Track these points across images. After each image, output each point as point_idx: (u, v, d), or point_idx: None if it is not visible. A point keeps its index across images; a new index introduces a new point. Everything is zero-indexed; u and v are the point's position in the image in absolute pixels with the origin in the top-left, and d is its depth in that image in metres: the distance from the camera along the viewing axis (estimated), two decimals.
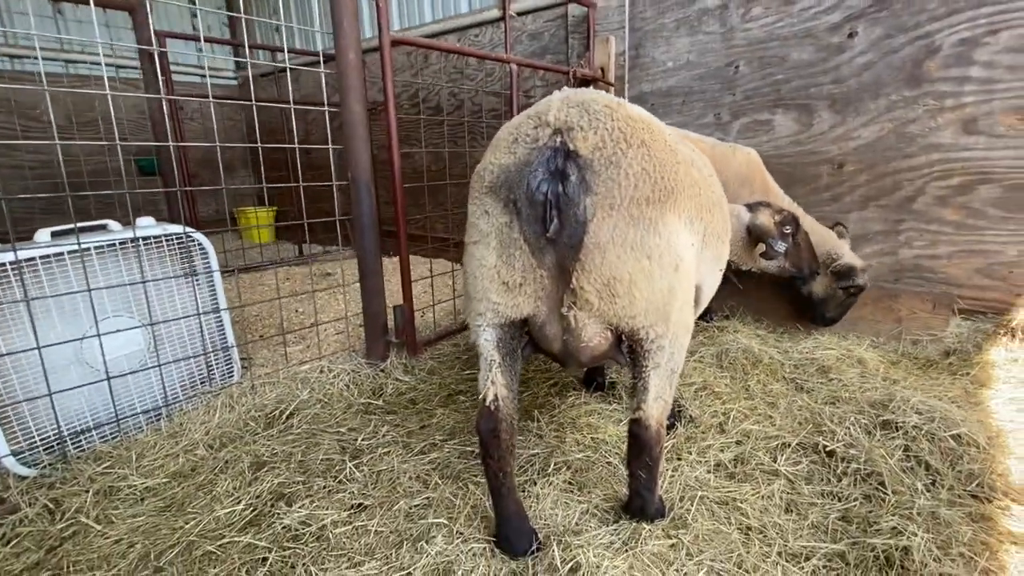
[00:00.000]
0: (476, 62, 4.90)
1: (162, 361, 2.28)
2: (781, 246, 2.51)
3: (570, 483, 1.84)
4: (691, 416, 2.18)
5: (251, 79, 2.93)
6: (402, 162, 2.73)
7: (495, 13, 4.67)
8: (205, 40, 6.91)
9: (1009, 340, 2.76)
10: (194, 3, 7.06)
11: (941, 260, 3.01)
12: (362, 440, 2.14)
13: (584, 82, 4.01)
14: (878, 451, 1.84)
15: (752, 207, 2.60)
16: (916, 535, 1.49)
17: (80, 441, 2.10)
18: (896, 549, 1.46)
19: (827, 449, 1.91)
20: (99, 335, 2.05)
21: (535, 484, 1.82)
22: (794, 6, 3.19)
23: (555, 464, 1.92)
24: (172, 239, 2.28)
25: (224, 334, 2.48)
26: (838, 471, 1.83)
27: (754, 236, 2.55)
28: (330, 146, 2.81)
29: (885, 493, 1.70)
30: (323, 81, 2.82)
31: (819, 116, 3.24)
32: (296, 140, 2.76)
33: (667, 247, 1.34)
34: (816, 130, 3.26)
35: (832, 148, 3.23)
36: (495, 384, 1.48)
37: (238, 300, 3.83)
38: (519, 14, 4.52)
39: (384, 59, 2.58)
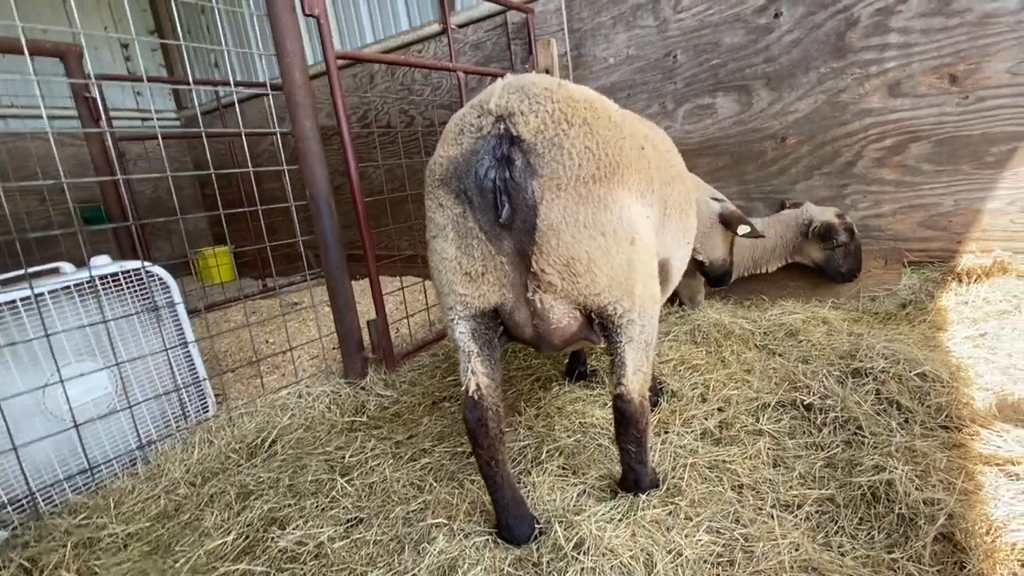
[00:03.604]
0: (422, 78, 4.94)
1: (132, 402, 2.20)
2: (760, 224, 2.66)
3: (564, 468, 1.85)
4: (673, 390, 2.22)
5: (199, 114, 2.88)
6: (360, 182, 2.73)
7: (436, 28, 4.73)
8: (149, 80, 6.81)
9: (957, 284, 2.92)
10: (125, 48, 6.91)
11: (886, 218, 3.17)
12: (350, 457, 2.11)
13: None
14: (852, 398, 1.91)
15: (717, 198, 2.70)
16: (897, 469, 1.55)
17: (51, 495, 2.00)
18: (881, 484, 1.52)
19: (805, 403, 1.98)
20: (62, 381, 1.96)
21: (530, 473, 1.82)
22: None
23: (547, 451, 1.93)
24: (130, 275, 2.21)
25: (194, 368, 2.41)
26: (817, 422, 1.90)
27: (732, 223, 2.64)
28: (284, 167, 2.78)
29: (864, 436, 1.78)
30: (270, 106, 2.79)
31: (757, 95, 3.38)
32: (249, 166, 2.73)
33: (620, 222, 1.36)
34: (756, 108, 3.41)
35: (773, 124, 3.38)
36: (476, 374, 1.49)
37: (206, 336, 3.73)
38: (460, 26, 4.59)
39: (331, 74, 2.58)
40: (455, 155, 1.36)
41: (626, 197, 1.38)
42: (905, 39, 2.90)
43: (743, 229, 2.63)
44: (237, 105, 2.98)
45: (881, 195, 3.17)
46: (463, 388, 1.51)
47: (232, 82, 3.12)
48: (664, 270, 1.76)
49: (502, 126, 1.31)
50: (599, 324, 1.48)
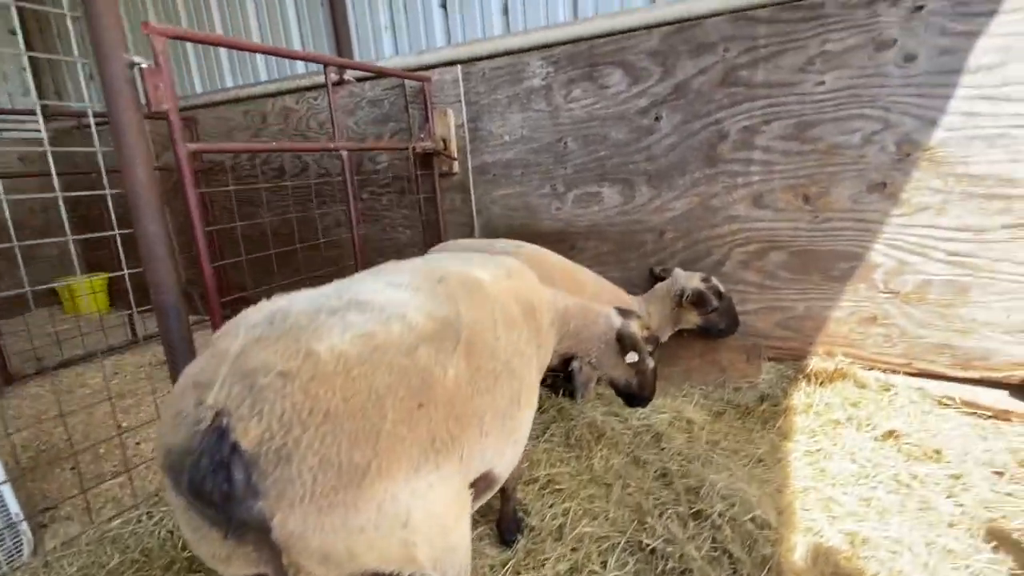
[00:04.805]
0: (317, 126, 4.72)
1: None
2: (651, 361, 2.45)
3: None
4: (531, 525, 2.24)
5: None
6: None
7: (332, 77, 4.53)
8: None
9: (806, 384, 3.17)
10: None
11: (750, 315, 3.39)
12: None
13: (426, 155, 4.02)
14: (691, 545, 2.01)
15: (624, 312, 2.53)
16: None
17: None
18: None
19: (650, 547, 2.05)
20: None
21: None
22: (608, 90, 3.44)
23: None
24: None
25: (5, 509, 2.12)
26: (659, 570, 1.97)
27: (625, 344, 2.42)
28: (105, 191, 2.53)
29: None
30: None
31: (639, 190, 3.51)
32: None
33: (382, 516, 1.14)
34: (638, 202, 3.54)
35: (653, 218, 3.52)
36: None
37: (57, 408, 3.35)
38: (359, 80, 4.43)
39: (183, 173, 2.37)
40: (171, 444, 1.11)
41: (390, 487, 1.15)
42: (768, 157, 3.12)
43: (630, 357, 2.43)
44: (94, 128, 2.70)
45: (746, 294, 3.39)
46: None
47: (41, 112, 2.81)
48: (489, 477, 1.58)
49: (224, 421, 1.05)
50: None
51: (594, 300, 3.18)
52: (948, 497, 2.28)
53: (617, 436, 2.89)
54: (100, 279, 6.52)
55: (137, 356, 4.65)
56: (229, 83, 5.42)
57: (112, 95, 2.14)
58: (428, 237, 4.33)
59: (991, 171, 2.66)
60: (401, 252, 4.55)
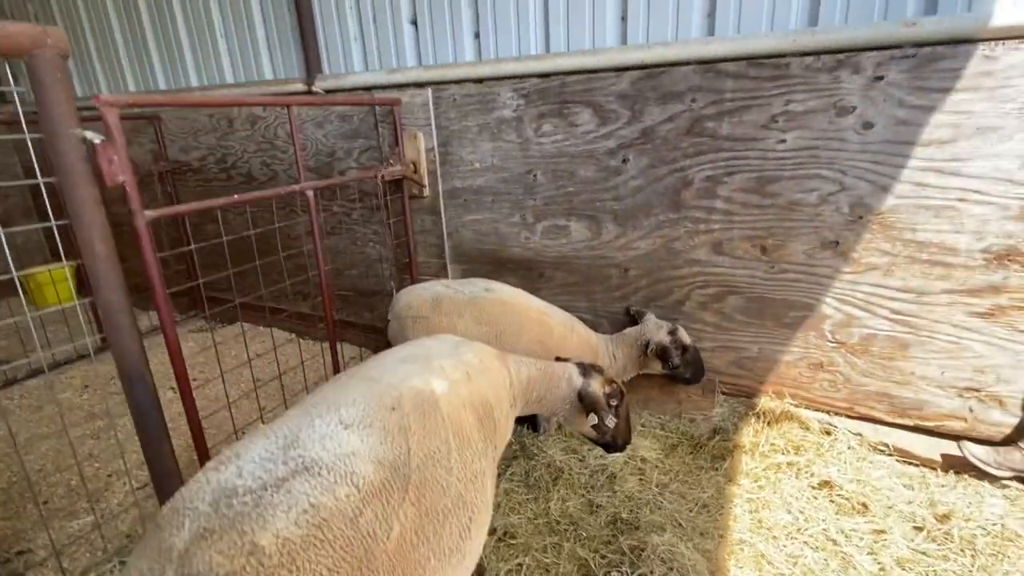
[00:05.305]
0: (285, 135, 4.63)
1: None
2: (612, 421, 2.45)
3: None
4: None
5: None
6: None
7: (299, 87, 4.42)
8: None
9: (755, 421, 3.35)
10: None
11: (706, 352, 3.53)
12: None
13: (398, 183, 4.00)
14: None
15: (585, 370, 2.51)
16: None
17: None
18: None
19: None
20: None
21: None
22: (577, 128, 3.44)
23: None
24: None
25: None
26: None
27: (586, 405, 2.45)
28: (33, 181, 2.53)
29: None
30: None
31: (606, 227, 3.57)
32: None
33: None
34: (604, 238, 3.60)
35: (618, 255, 3.60)
36: None
37: (27, 430, 3.38)
38: (327, 92, 4.34)
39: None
40: None
41: None
42: (729, 207, 3.18)
43: (591, 420, 2.47)
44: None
45: (703, 333, 3.52)
46: None
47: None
48: None
49: None
50: None
51: (561, 344, 3.31)
52: (869, 554, 2.49)
53: (574, 477, 3.04)
54: (61, 270, 6.39)
55: (108, 365, 4.65)
56: (193, 81, 5.23)
57: (65, 173, 2.10)
58: (399, 256, 4.35)
59: (935, 239, 2.77)
60: (371, 267, 4.57)
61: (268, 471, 1.31)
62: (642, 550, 2.44)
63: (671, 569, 2.31)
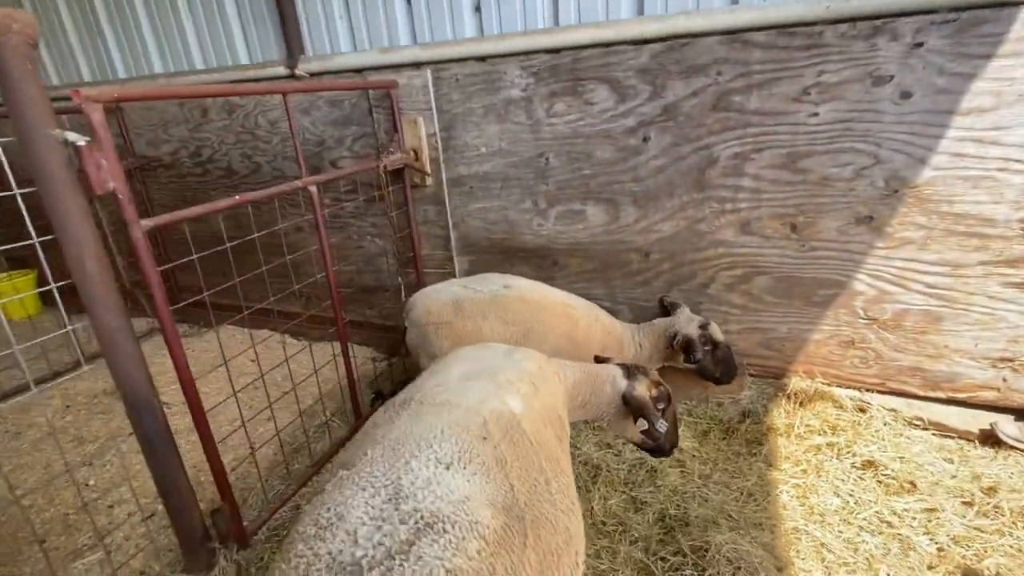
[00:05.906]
0: (268, 124, 4.29)
1: None
2: (663, 426, 2.30)
3: None
4: None
5: None
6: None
7: (280, 71, 4.08)
8: None
9: (786, 403, 3.30)
10: None
11: (733, 335, 3.45)
12: None
13: (397, 172, 3.74)
14: None
15: (629, 372, 2.36)
16: None
17: None
18: None
19: None
20: None
21: None
22: (594, 107, 3.25)
23: None
24: None
25: None
26: None
27: (633, 409, 2.29)
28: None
29: None
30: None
31: (625, 210, 3.41)
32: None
33: None
34: (623, 222, 3.45)
35: (638, 239, 3.45)
36: None
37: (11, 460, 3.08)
38: (312, 75, 4.02)
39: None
40: None
41: None
42: (757, 185, 3.06)
43: (640, 426, 2.30)
44: None
45: (729, 315, 3.43)
46: None
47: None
48: None
49: None
50: None
51: (587, 335, 3.17)
52: (925, 534, 2.46)
53: (613, 473, 2.94)
54: (24, 278, 5.93)
55: (88, 381, 4.31)
56: (157, 67, 4.80)
57: (45, 181, 1.82)
58: (401, 250, 4.11)
59: (973, 211, 2.71)
60: (369, 262, 4.33)
61: (388, 534, 1.11)
62: (705, 550, 2.35)
63: (739, 569, 2.23)
